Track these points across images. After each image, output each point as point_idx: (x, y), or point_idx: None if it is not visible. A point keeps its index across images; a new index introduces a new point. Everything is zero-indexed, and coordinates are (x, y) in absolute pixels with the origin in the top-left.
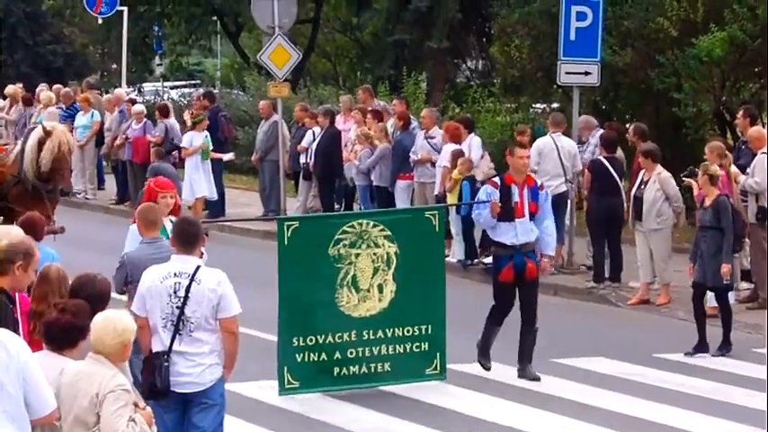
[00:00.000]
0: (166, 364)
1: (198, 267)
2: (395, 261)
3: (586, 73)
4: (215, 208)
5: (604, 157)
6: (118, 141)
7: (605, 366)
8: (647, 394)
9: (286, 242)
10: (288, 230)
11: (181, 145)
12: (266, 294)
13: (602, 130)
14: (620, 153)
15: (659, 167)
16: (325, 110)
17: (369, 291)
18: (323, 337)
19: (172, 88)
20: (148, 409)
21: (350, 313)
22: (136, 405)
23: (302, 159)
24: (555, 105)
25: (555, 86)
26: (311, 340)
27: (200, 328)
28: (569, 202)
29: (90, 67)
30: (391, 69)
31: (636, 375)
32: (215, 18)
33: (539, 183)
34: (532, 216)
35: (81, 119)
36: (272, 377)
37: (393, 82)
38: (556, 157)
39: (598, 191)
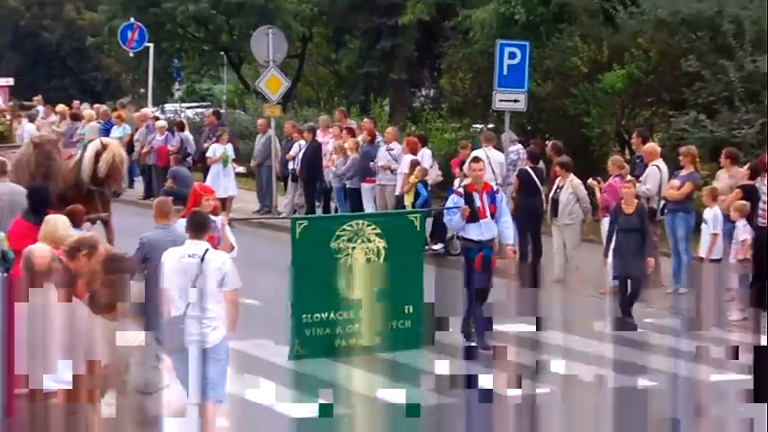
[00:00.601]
0: (182, 326)
1: (207, 250)
2: (383, 254)
3: (516, 100)
4: (222, 203)
5: (530, 167)
6: (145, 149)
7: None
8: (575, 357)
9: (297, 237)
10: (299, 228)
11: (207, 155)
12: (262, 272)
13: (519, 144)
14: (541, 164)
15: (572, 176)
16: (309, 127)
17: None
18: (327, 314)
19: (187, 108)
20: (168, 360)
21: (347, 295)
22: (157, 356)
23: (290, 166)
24: (491, 126)
25: (491, 111)
26: (317, 317)
27: (208, 298)
28: None
29: (123, 90)
30: (362, 96)
31: (548, 338)
32: (222, 53)
33: (494, 188)
34: (492, 216)
35: (115, 131)
36: (267, 337)
37: (363, 105)
38: (487, 165)
39: (524, 193)
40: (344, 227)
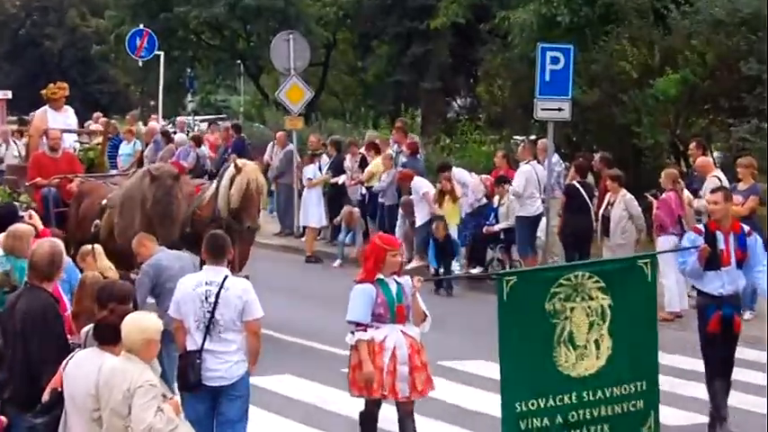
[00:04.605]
0: (198, 360)
1: (226, 277)
2: (609, 314)
3: (559, 109)
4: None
5: (577, 182)
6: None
7: None
8: None
9: (505, 298)
10: (506, 286)
11: (308, 177)
12: (282, 300)
13: (556, 155)
14: (589, 178)
15: (624, 191)
16: (333, 140)
17: (585, 347)
18: (544, 401)
19: (202, 121)
20: (176, 398)
21: (568, 373)
22: (164, 396)
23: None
24: (532, 138)
25: (532, 121)
26: (533, 405)
27: (228, 329)
28: (544, 219)
29: (131, 103)
30: (391, 106)
31: None
32: (239, 62)
33: (746, 229)
34: (740, 264)
35: (125, 148)
36: (289, 372)
37: (393, 117)
38: (536, 180)
39: (571, 210)
40: (561, 281)
